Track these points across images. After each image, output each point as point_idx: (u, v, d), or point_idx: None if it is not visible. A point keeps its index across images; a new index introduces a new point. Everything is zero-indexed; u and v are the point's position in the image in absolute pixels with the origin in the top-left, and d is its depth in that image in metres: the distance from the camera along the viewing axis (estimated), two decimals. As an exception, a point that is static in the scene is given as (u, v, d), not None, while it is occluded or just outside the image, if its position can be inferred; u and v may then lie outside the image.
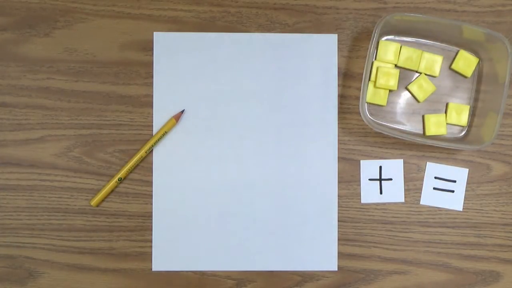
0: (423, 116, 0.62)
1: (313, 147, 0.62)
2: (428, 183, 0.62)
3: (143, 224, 0.62)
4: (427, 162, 0.62)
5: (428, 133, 0.61)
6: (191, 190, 0.62)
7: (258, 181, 0.62)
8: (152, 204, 0.62)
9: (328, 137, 0.62)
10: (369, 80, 0.61)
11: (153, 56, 0.62)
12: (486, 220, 0.62)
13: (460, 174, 0.62)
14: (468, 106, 0.62)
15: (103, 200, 0.61)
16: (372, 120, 0.62)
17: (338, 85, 0.62)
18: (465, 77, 0.62)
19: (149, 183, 0.62)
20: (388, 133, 0.59)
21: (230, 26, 0.62)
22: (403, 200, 0.62)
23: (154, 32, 0.62)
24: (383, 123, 0.62)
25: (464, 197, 0.62)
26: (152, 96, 0.62)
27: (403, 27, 0.60)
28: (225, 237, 0.62)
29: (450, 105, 0.62)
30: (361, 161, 0.62)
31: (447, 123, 0.62)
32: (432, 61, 0.61)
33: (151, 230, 0.62)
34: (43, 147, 0.62)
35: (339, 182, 0.62)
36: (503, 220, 0.62)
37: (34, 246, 0.62)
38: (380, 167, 0.62)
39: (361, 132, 0.62)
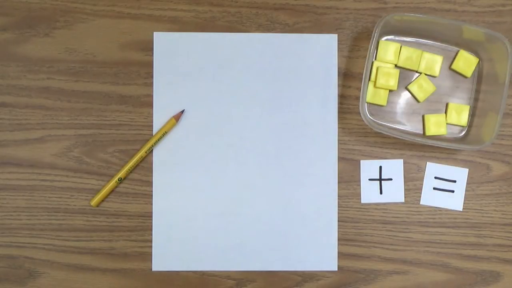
0: (423, 116, 0.62)
1: (313, 147, 0.62)
2: (428, 183, 0.62)
3: (143, 224, 0.62)
4: (427, 162, 0.62)
5: (428, 133, 0.61)
6: (191, 190, 0.62)
7: (258, 181, 0.62)
8: (152, 204, 0.62)
9: (328, 137, 0.62)
10: (369, 80, 0.61)
11: (153, 56, 0.62)
12: (486, 220, 0.62)
13: (460, 174, 0.62)
14: (468, 106, 0.62)
15: (103, 200, 0.61)
16: (372, 120, 0.62)
17: (338, 85, 0.62)
18: (465, 77, 0.62)
19: (149, 183, 0.62)
20: (388, 133, 0.59)
21: (230, 26, 0.62)
22: (403, 200, 0.62)
23: (154, 32, 0.62)
24: (383, 123, 0.62)
25: (464, 197, 0.62)
26: (152, 96, 0.62)
27: (403, 27, 0.60)
28: (225, 237, 0.62)
29: (450, 105, 0.62)
30: (361, 161, 0.62)
31: (447, 123, 0.62)
32: (432, 61, 0.61)
33: (151, 230, 0.62)
34: (43, 147, 0.62)
35: (339, 182, 0.62)
36: (503, 220, 0.62)
37: (34, 246, 0.62)
38: (380, 167, 0.62)
39: (361, 132, 0.62)
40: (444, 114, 0.62)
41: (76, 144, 0.62)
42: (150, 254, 0.62)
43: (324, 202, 0.62)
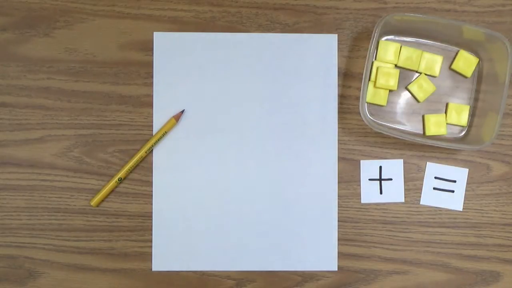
0: (423, 116, 0.62)
1: (313, 147, 0.62)
2: (428, 183, 0.62)
3: (143, 224, 0.62)
4: (427, 162, 0.62)
5: (428, 133, 0.61)
6: (191, 190, 0.62)
7: (258, 181, 0.62)
8: (152, 204, 0.62)
9: (328, 137, 0.62)
10: (369, 80, 0.61)
11: (153, 56, 0.62)
12: (486, 220, 0.62)
13: (460, 174, 0.62)
14: (468, 106, 0.62)
15: (103, 200, 0.61)
16: (372, 120, 0.62)
17: (338, 85, 0.62)
18: (465, 77, 0.62)
19: (149, 183, 0.62)
20: (388, 133, 0.59)
21: (230, 26, 0.62)
22: (403, 200, 0.62)
23: (154, 32, 0.62)
24: (383, 123, 0.62)
25: (464, 197, 0.62)
26: (152, 96, 0.62)
27: (403, 27, 0.60)
28: (225, 237, 0.62)
29: (450, 105, 0.62)
30: (361, 161, 0.62)
31: (447, 123, 0.62)
32: (432, 61, 0.61)
33: (151, 230, 0.62)
34: (43, 147, 0.62)
35: (339, 182, 0.62)
36: (503, 220, 0.62)
37: (34, 246, 0.62)
38: (380, 167, 0.62)
39: (361, 132, 0.62)
40: (444, 114, 0.62)
41: (76, 144, 0.62)
42: (150, 254, 0.62)
43: (324, 202, 0.62)
